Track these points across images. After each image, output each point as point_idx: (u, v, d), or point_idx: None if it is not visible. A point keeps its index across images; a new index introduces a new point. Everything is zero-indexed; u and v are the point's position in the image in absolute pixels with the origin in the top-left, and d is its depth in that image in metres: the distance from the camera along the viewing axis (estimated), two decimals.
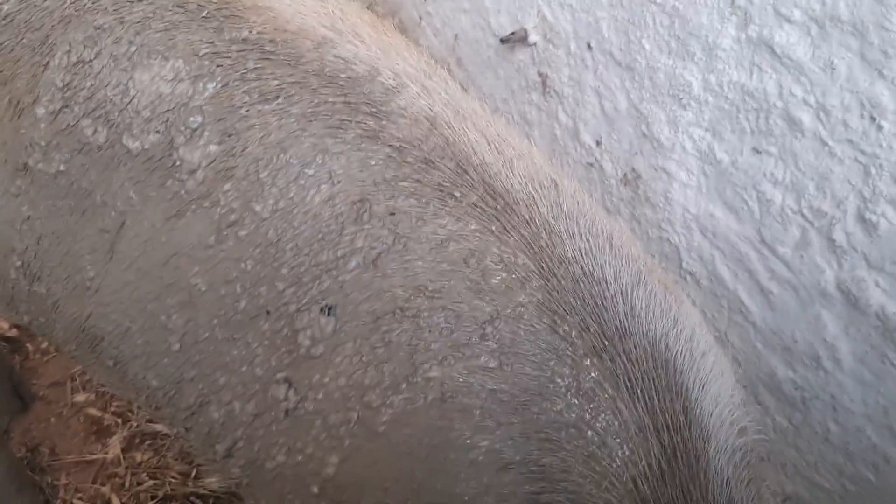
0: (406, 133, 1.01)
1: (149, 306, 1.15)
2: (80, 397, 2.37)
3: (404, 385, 0.95)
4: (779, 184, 1.56)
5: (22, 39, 1.17)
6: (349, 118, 1.03)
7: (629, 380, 0.89)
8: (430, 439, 0.93)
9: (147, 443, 2.26)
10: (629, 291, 0.95)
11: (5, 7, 1.20)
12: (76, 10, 1.15)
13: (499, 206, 0.97)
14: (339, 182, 1.02)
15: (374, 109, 1.02)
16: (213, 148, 1.09)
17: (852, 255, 1.46)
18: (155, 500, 2.10)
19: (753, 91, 1.56)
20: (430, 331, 0.95)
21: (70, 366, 2.44)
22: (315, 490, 1.03)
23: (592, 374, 0.90)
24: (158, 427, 2.27)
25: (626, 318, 0.93)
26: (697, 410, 0.90)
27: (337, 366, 0.99)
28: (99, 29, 1.15)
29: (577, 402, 0.89)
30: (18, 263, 1.27)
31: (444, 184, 0.99)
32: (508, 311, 0.94)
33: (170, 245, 1.12)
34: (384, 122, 1.02)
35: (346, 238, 1.01)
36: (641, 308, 0.94)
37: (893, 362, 1.45)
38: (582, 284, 0.93)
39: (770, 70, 1.53)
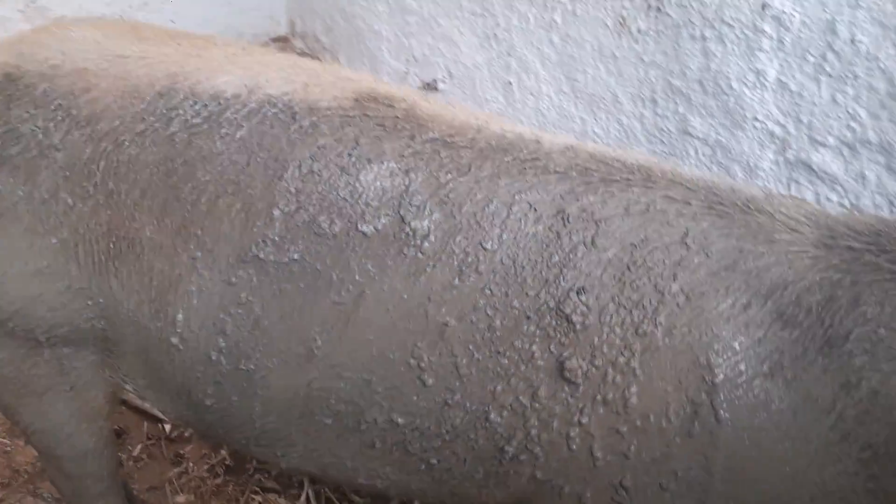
0: (563, 160, 1.41)
1: (395, 355, 1.36)
2: (181, 499, 2.46)
3: (661, 306, 1.29)
4: None
5: (256, 157, 1.40)
6: (521, 167, 1.40)
7: None
8: (696, 326, 1.28)
9: None
10: None
11: (239, 133, 1.42)
12: (300, 135, 1.42)
13: (642, 172, 1.40)
14: (537, 207, 1.36)
15: (534, 155, 1.41)
16: (437, 215, 1.36)
17: None
18: None
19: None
20: (656, 265, 1.31)
21: (164, 471, 2.59)
22: (624, 428, 1.29)
23: (753, 224, 1.35)
24: None
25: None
26: None
27: (608, 322, 1.29)
28: (322, 147, 1.41)
29: (753, 239, 1.33)
30: (223, 345, 1.43)
31: (604, 177, 1.39)
32: (692, 221, 1.34)
33: (413, 299, 1.35)
34: (545, 161, 1.41)
35: (564, 239, 1.33)
36: None
37: None
38: (714, 182, 1.41)
39: (807, 183, 2.00)
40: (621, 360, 1.29)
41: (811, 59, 1.93)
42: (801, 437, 1.27)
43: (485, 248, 1.35)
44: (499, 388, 1.34)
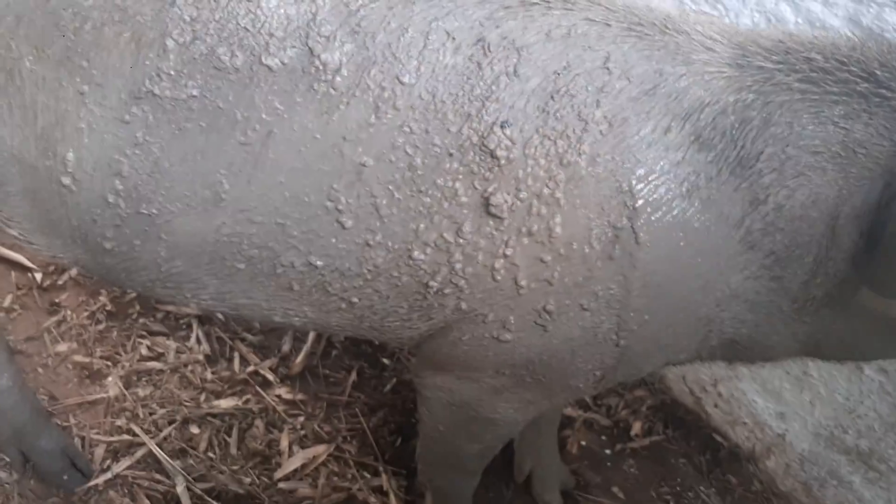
0: None
1: (308, 198, 1.32)
2: (62, 347, 2.30)
3: (584, 134, 1.30)
4: None
5: None
6: None
7: None
8: (618, 154, 1.31)
9: (144, 379, 2.31)
10: None
11: None
12: None
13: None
14: (455, 36, 1.31)
15: None
16: (348, 47, 1.28)
17: None
18: (173, 425, 2.23)
19: None
20: (579, 92, 1.31)
21: (40, 321, 2.47)
22: (548, 257, 1.33)
23: (671, 44, 1.36)
24: (153, 364, 2.39)
25: None
26: None
27: (534, 155, 1.29)
28: None
29: (673, 64, 1.34)
30: (121, 188, 1.34)
31: (521, 1, 1.35)
32: (613, 45, 1.34)
33: (326, 138, 1.29)
34: None
35: (485, 69, 1.30)
36: None
37: None
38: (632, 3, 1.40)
39: (690, 1, 2.04)
40: (546, 191, 1.30)
41: None
42: (712, 251, 1.35)
43: (402, 82, 1.29)
44: (422, 226, 1.33)
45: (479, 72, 1.30)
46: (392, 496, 2.13)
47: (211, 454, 2.16)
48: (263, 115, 1.29)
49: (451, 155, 1.30)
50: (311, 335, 2.49)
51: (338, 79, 1.28)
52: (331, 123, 1.29)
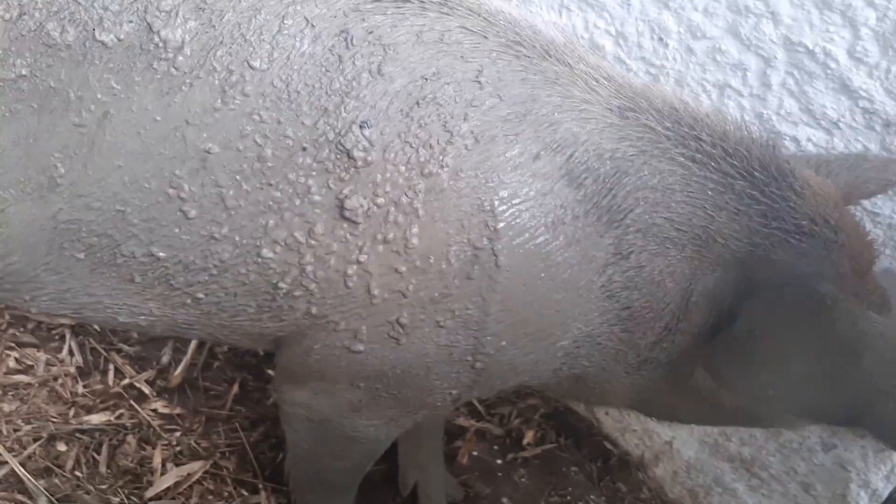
0: None
1: (149, 184, 1.24)
2: None
3: (448, 146, 1.24)
4: None
5: None
6: None
7: None
8: (482, 171, 1.25)
9: (10, 394, 2.19)
10: None
11: None
12: None
13: (436, 1, 1.29)
14: (316, 23, 1.23)
15: None
16: (192, 24, 1.21)
17: None
18: (39, 442, 2.12)
19: (563, 27, 2.03)
20: (446, 103, 1.25)
21: None
22: (403, 268, 1.27)
23: (550, 71, 1.31)
24: (20, 377, 2.25)
25: None
26: None
27: (394, 160, 1.23)
28: None
29: (552, 89, 1.30)
30: None
31: None
32: (488, 59, 1.28)
33: (168, 121, 1.22)
34: None
35: (347, 62, 1.23)
36: None
37: None
38: (513, 21, 1.33)
39: (577, 10, 2.02)
40: (404, 199, 1.24)
41: None
42: (573, 290, 1.33)
43: (252, 67, 1.21)
44: (271, 222, 1.26)
45: (339, 65, 1.23)
46: None
47: (78, 473, 2.04)
48: (99, 95, 1.21)
49: (304, 149, 1.23)
50: (192, 345, 2.39)
51: (180, 58, 1.21)
52: (172, 105, 1.22)
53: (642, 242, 1.32)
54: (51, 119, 1.22)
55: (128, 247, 1.29)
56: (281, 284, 1.31)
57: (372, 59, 1.24)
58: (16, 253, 1.31)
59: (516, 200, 1.26)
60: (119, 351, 2.36)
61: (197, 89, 1.21)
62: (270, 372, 2.44)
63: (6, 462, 2.02)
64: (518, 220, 1.26)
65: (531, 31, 1.33)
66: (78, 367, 2.29)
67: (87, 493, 1.99)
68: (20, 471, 2.01)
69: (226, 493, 2.08)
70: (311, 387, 1.51)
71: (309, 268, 1.28)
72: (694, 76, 1.88)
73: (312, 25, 1.23)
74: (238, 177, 1.24)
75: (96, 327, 2.37)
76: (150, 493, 2.02)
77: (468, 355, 1.35)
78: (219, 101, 1.22)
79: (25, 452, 2.06)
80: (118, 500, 2.00)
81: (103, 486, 2.03)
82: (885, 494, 1.92)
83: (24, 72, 1.20)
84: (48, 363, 2.28)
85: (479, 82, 1.27)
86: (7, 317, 2.38)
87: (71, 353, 2.32)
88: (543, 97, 1.29)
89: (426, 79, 1.25)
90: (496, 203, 1.26)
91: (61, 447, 2.09)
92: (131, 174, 1.24)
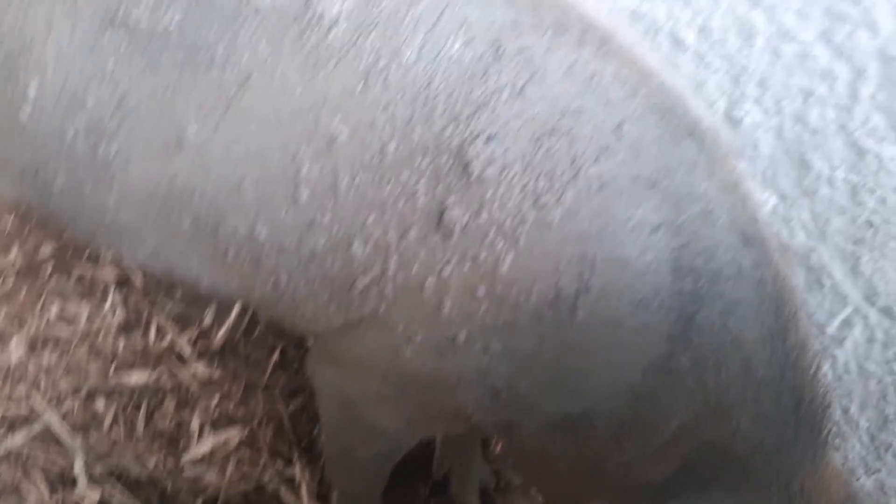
0: None
1: (273, 157, 1.21)
2: None
3: (571, 184, 1.16)
4: None
5: None
6: None
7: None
8: (597, 220, 1.16)
9: (50, 345, 2.21)
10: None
11: None
12: None
13: (600, 34, 1.21)
14: (472, 27, 1.17)
15: None
16: (350, 2, 1.17)
17: None
18: (77, 396, 2.13)
19: (643, 15, 1.95)
20: (581, 140, 1.17)
21: None
22: (482, 293, 1.20)
23: (693, 150, 1.21)
24: (61, 329, 2.26)
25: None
26: None
27: (510, 181, 1.16)
28: None
29: (689, 170, 1.20)
30: (82, 122, 1.25)
31: (556, 21, 1.20)
32: (634, 114, 1.19)
33: (307, 96, 1.18)
34: None
35: (492, 75, 1.16)
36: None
37: None
38: (667, 88, 1.24)
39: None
40: (508, 224, 1.17)
41: None
42: (627, 352, 1.25)
43: (399, 59, 1.16)
44: (371, 218, 1.21)
45: (483, 76, 1.17)
46: (304, 488, 2.04)
47: (115, 432, 2.05)
48: (245, 57, 1.19)
49: (424, 151, 1.18)
50: (236, 308, 2.37)
51: (332, 34, 1.17)
52: (314, 81, 1.18)
53: (708, 358, 1.24)
54: (192, 75, 1.20)
55: (233, 220, 1.27)
56: (360, 281, 1.27)
57: (518, 77, 1.17)
58: (128, 208, 1.31)
59: (618, 265, 1.19)
60: (162, 308, 2.35)
61: (342, 69, 1.17)
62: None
63: (43, 415, 2.03)
64: (611, 286, 1.19)
65: (681, 105, 1.25)
66: (120, 323, 2.28)
67: (124, 453, 2.00)
68: (58, 426, 2.02)
69: (261, 464, 2.07)
70: (344, 369, 1.49)
71: (391, 270, 1.24)
72: (779, 79, 1.80)
73: (468, 30, 1.18)
74: (356, 167, 1.20)
75: (140, 283, 2.36)
76: (186, 458, 2.03)
77: (501, 384, 1.30)
78: (360, 85, 1.17)
79: (64, 407, 2.06)
80: (154, 462, 2.01)
81: (140, 448, 2.03)
82: None
83: (173, 25, 1.18)
84: (90, 316, 2.28)
85: (620, 134, 1.18)
86: (51, 266, 2.37)
87: (113, 308, 2.31)
88: (678, 175, 1.21)
89: (566, 112, 1.18)
90: (598, 260, 1.18)
91: (100, 404, 2.09)
92: (258, 145, 1.21)
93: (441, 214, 1.19)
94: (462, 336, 1.26)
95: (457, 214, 1.18)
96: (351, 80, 1.18)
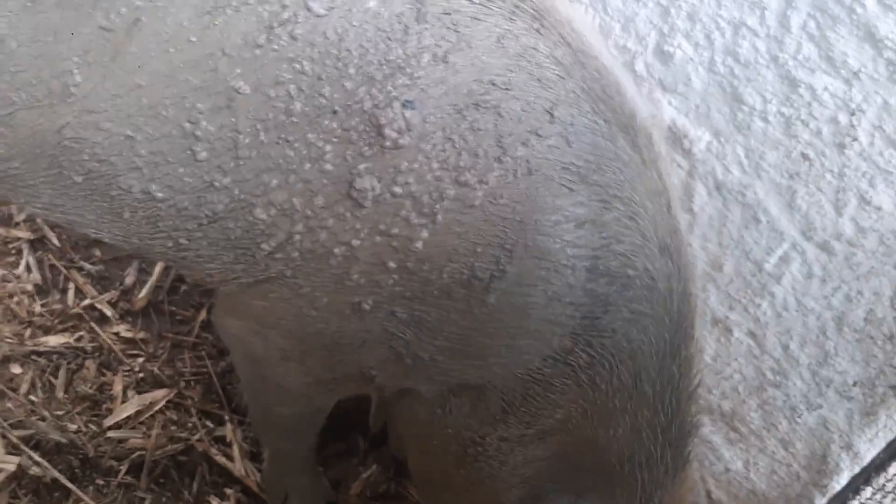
0: None
1: (167, 112, 1.13)
2: None
3: (496, 164, 1.10)
4: None
5: None
6: None
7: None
8: (521, 206, 1.12)
9: None
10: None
11: None
12: None
13: (536, 6, 1.15)
14: None
15: None
16: None
17: (650, 81, 1.87)
18: None
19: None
20: (510, 118, 1.11)
21: None
22: (393, 265, 1.15)
23: (626, 147, 1.17)
24: None
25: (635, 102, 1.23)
26: None
27: (428, 153, 1.10)
28: None
29: (620, 168, 1.16)
30: None
31: None
32: (568, 98, 1.14)
33: (203, 45, 1.10)
34: None
35: (412, 37, 1.10)
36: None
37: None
38: (605, 74, 1.19)
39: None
40: (426, 199, 1.11)
41: None
42: (531, 339, 1.25)
43: (308, 8, 1.09)
44: (274, 182, 1.14)
45: (403, 36, 1.10)
46: (236, 447, 1.97)
47: (33, 397, 1.95)
48: None
49: (334, 112, 1.10)
50: (158, 267, 2.27)
51: None
52: (211, 29, 1.10)
53: (604, 361, 1.25)
54: (75, 17, 1.11)
55: (126, 179, 1.19)
56: (264, 246, 1.20)
57: (441, 42, 1.11)
58: (18, 159, 1.23)
59: (537, 255, 1.15)
60: (80, 269, 2.23)
61: (243, 17, 1.09)
62: None
63: None
64: (527, 275, 1.15)
65: (618, 94, 1.21)
66: (35, 285, 2.16)
67: (42, 419, 1.91)
68: None
69: (190, 424, 2.00)
70: (248, 324, 1.42)
71: (298, 237, 1.17)
72: (708, 12, 1.74)
73: None
74: (259, 126, 1.12)
75: (56, 242, 2.24)
76: (109, 422, 1.94)
77: (405, 351, 1.26)
78: (263, 37, 1.09)
79: None
80: (75, 427, 1.92)
81: (60, 413, 1.94)
82: (868, 458, 1.88)
83: None
84: (4, 279, 2.16)
85: (552, 115, 1.13)
86: None
87: (28, 268, 2.19)
88: (609, 172, 1.17)
89: (494, 84, 1.11)
90: (518, 247, 1.14)
91: (15, 369, 1.99)
92: (150, 97, 1.13)
93: (352, 182, 1.12)
94: (368, 303, 1.21)
95: (369, 183, 1.12)
96: (254, 30, 1.09)
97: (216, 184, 1.16)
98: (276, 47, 1.09)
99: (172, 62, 1.11)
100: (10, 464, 1.80)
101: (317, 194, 1.14)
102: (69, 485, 1.82)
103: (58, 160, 1.21)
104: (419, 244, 1.14)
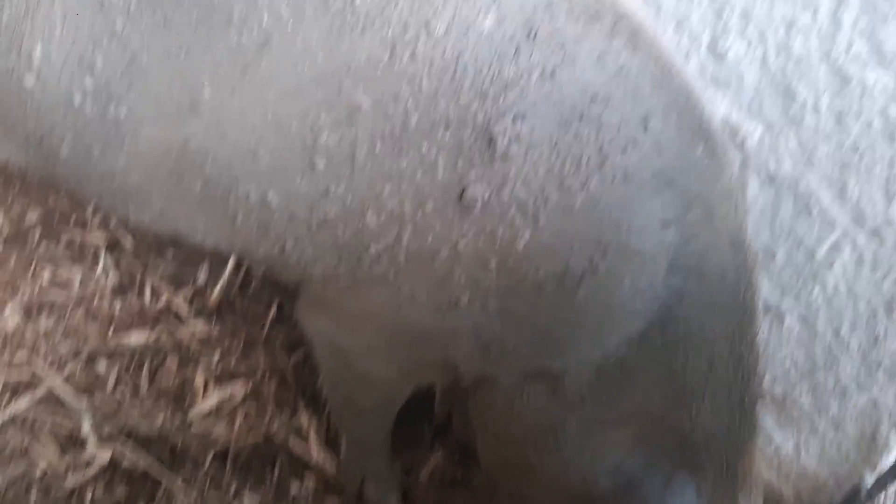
0: None
1: (291, 125, 1.19)
2: None
3: (597, 171, 1.17)
4: None
5: None
6: None
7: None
8: (617, 209, 1.19)
9: (46, 311, 2.18)
10: None
11: None
12: None
13: (630, 25, 1.22)
14: (503, 6, 1.17)
15: None
16: None
17: (704, 79, 1.95)
18: (79, 359, 2.12)
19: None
20: (609, 128, 1.18)
21: None
22: (493, 264, 1.22)
23: (703, 155, 1.26)
24: (56, 294, 2.25)
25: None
26: None
27: (535, 161, 1.16)
28: None
29: (699, 174, 1.25)
30: (90, 86, 1.22)
31: (589, 8, 1.20)
32: (658, 110, 1.21)
33: (330, 63, 1.16)
34: None
35: (523, 55, 1.16)
36: None
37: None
38: (686, 88, 1.28)
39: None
40: (531, 203, 1.18)
41: None
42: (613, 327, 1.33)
43: (428, 30, 1.15)
44: (387, 189, 1.20)
45: (514, 56, 1.16)
46: (312, 437, 2.07)
47: (120, 392, 2.06)
48: (265, 19, 1.15)
49: (447, 126, 1.17)
50: (230, 265, 2.37)
51: (359, 0, 1.15)
52: (338, 48, 1.16)
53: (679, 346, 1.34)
54: (208, 36, 1.17)
55: (245, 187, 1.26)
56: (372, 248, 1.27)
57: (549, 60, 1.17)
58: (137, 171, 1.29)
59: (627, 253, 1.22)
60: (155, 269, 2.35)
61: (368, 38, 1.15)
62: None
63: (45, 380, 2.03)
64: (617, 271, 1.23)
65: (699, 105, 1.28)
66: (114, 286, 2.27)
67: (131, 412, 2.01)
68: (61, 389, 2.02)
69: (268, 416, 2.10)
70: (338, 320, 1.50)
71: (405, 239, 1.24)
72: (761, 10, 1.82)
73: (500, 7, 1.17)
74: (376, 138, 1.18)
75: (130, 245, 2.35)
76: (193, 414, 2.05)
77: (492, 341, 1.34)
78: (387, 55, 1.15)
79: (66, 371, 2.07)
80: (161, 420, 2.02)
81: (146, 406, 2.04)
82: None
83: None
84: (83, 280, 2.27)
85: (646, 127, 1.20)
86: (39, 231, 2.35)
87: (106, 271, 2.30)
88: (691, 177, 1.24)
89: (595, 99, 1.18)
90: (611, 246, 1.21)
91: (101, 366, 2.10)
92: (276, 111, 1.19)
93: (463, 189, 1.18)
94: (465, 298, 1.28)
95: (479, 190, 1.18)
96: (377, 50, 1.15)
97: (331, 192, 1.23)
98: (397, 66, 1.15)
99: (299, 79, 1.17)
100: (104, 456, 1.91)
101: (427, 200, 1.20)
102: (159, 475, 1.92)
103: (179, 169, 1.27)
104: (521, 244, 1.20)
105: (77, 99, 1.24)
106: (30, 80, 1.24)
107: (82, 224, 2.37)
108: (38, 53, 1.22)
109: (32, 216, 2.35)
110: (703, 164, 1.25)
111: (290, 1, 1.15)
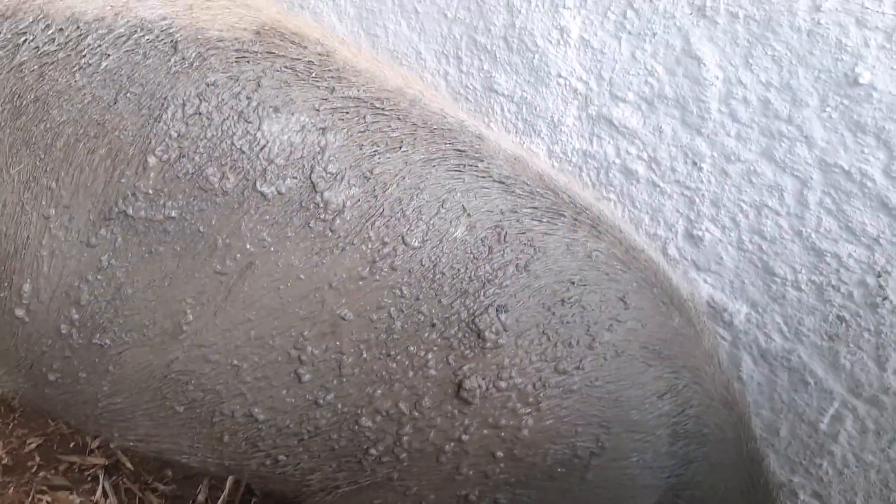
0: (509, 171, 1.32)
1: (273, 341, 1.23)
2: None
3: (588, 350, 1.23)
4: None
5: (126, 94, 1.19)
6: (459, 163, 1.29)
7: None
8: (614, 386, 1.23)
9: None
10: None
11: (104, 63, 1.19)
12: (183, 68, 1.21)
13: (590, 217, 1.34)
14: (472, 214, 1.26)
15: (477, 154, 1.30)
16: (355, 190, 1.22)
17: (683, 263, 2.02)
18: None
19: (594, 153, 2.09)
20: (591, 309, 1.25)
21: None
22: (500, 454, 1.23)
23: (681, 324, 1.33)
24: None
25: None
26: None
27: (526, 347, 1.22)
28: (212, 85, 1.21)
29: (681, 341, 1.30)
30: (76, 317, 1.25)
31: (551, 207, 1.31)
32: (632, 287, 1.30)
33: (311, 281, 1.21)
34: (488, 164, 1.30)
35: (496, 254, 1.25)
36: None
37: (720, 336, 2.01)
38: (652, 263, 1.36)
39: (608, 137, 2.07)
40: (529, 389, 1.23)
41: (612, 16, 2.00)
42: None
43: (405, 243, 1.23)
44: (378, 392, 1.24)
45: (488, 255, 1.25)
46: None
47: None
48: (248, 245, 1.21)
49: (433, 325, 1.22)
50: (229, 483, 2.33)
51: (338, 221, 1.21)
52: (320, 267, 1.22)
53: (695, 478, 1.37)
54: (192, 264, 1.21)
55: (230, 405, 1.28)
56: (372, 451, 1.28)
57: (521, 255, 1.26)
58: (121, 394, 1.31)
59: (631, 429, 1.26)
60: (154, 490, 2.30)
61: (348, 255, 1.21)
62: None
63: None
64: (622, 449, 1.26)
65: (666, 278, 1.39)
66: None
67: None
68: None
69: None
70: None
71: (406, 438, 1.26)
72: (730, 197, 1.93)
73: (469, 215, 1.26)
74: (362, 346, 1.23)
75: (130, 466, 2.32)
76: None
77: None
78: (367, 270, 1.22)
79: None
80: None
81: None
82: None
83: (173, 213, 1.20)
84: None
85: (624, 302, 1.29)
86: (38, 458, 2.33)
87: (105, 494, 2.25)
88: (675, 345, 1.32)
89: (573, 283, 1.27)
90: (614, 423, 1.25)
91: None
92: (259, 329, 1.23)
93: (460, 383, 1.22)
94: (475, 494, 1.29)
95: (475, 383, 1.22)
96: (358, 265, 1.22)
97: (320, 401, 1.25)
98: (377, 278, 1.22)
99: (282, 297, 1.22)
100: None
101: (423, 397, 1.23)
102: None
103: (162, 392, 1.29)
104: (525, 431, 1.23)
105: (64, 329, 1.28)
106: (20, 313, 1.28)
107: (82, 447, 2.34)
108: (27, 289, 1.26)
109: (31, 444, 2.33)
110: (682, 332, 1.30)
111: (272, 226, 1.21)
